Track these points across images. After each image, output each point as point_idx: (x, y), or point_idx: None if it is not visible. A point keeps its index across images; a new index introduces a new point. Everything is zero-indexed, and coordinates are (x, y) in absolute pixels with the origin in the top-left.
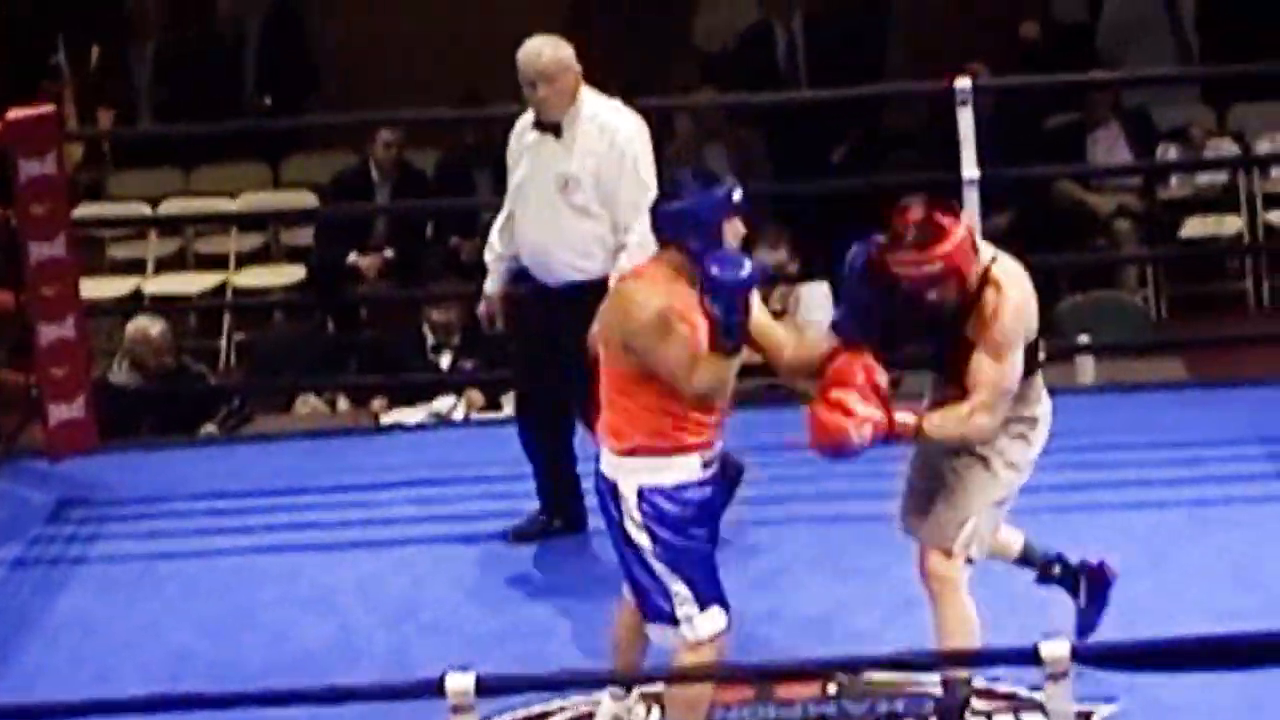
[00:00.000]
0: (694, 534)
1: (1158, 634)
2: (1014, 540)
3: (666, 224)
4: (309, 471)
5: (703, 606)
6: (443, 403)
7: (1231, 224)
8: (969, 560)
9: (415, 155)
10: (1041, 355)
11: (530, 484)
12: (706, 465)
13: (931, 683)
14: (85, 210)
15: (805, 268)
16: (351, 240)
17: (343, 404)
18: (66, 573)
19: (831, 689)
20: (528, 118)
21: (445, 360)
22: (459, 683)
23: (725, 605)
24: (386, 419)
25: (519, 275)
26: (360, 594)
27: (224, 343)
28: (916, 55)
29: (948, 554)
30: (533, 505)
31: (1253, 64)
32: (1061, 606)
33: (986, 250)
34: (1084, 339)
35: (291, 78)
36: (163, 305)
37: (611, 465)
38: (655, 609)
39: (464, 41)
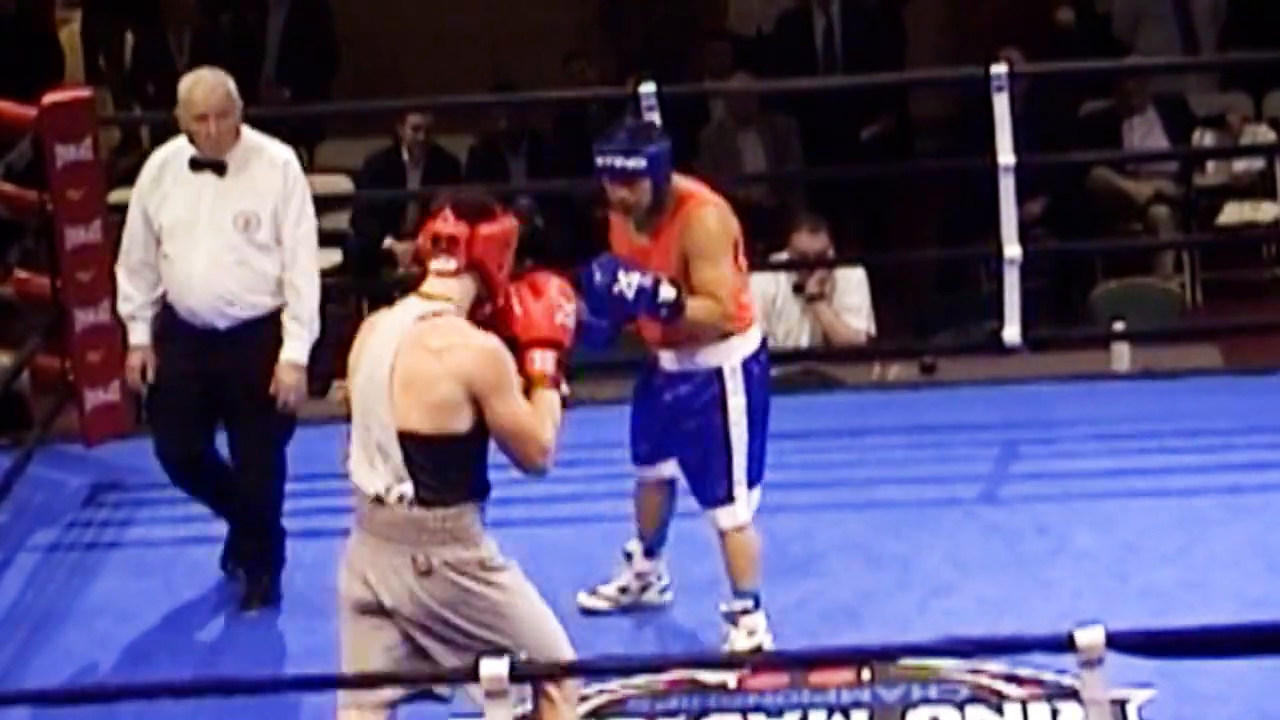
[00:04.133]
0: (766, 391)
1: (1191, 621)
2: None
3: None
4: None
5: (750, 485)
6: None
7: (1268, 211)
8: None
9: (448, 140)
10: None
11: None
12: None
13: (964, 669)
14: (121, 195)
15: (841, 253)
16: (386, 225)
17: None
18: (101, 557)
19: (865, 675)
20: (166, 156)
21: None
22: (494, 669)
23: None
24: None
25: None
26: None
27: None
28: (951, 40)
29: None
30: (558, 488)
31: None
32: (1094, 594)
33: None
34: (1119, 325)
35: (313, 65)
36: None
37: (710, 354)
38: (713, 494)
39: (494, 28)
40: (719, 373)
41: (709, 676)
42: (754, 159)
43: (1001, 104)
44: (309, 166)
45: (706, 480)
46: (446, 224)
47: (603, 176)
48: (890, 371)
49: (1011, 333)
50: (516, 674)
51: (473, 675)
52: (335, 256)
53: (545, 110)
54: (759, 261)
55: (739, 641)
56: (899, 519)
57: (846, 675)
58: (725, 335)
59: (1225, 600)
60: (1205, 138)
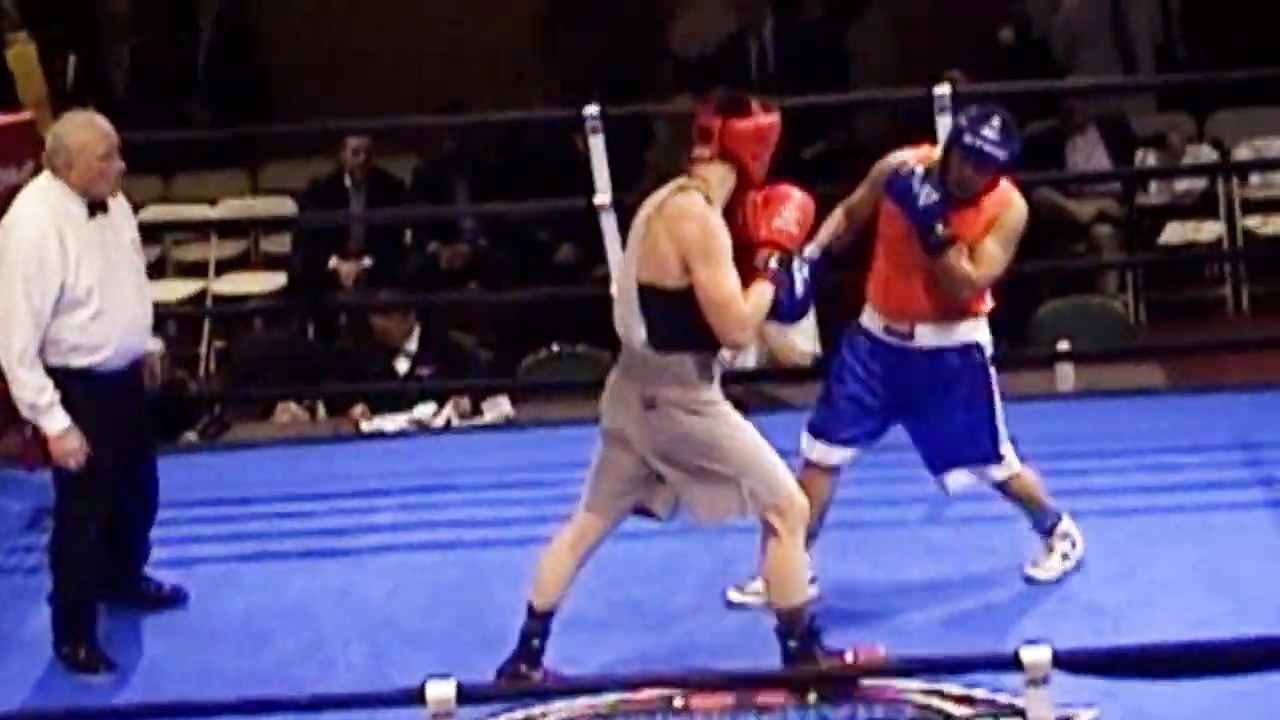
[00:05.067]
0: None
1: (1136, 641)
2: None
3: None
4: (288, 480)
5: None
6: (422, 410)
7: (1210, 230)
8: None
9: (391, 162)
10: None
11: (511, 491)
12: None
13: (912, 689)
14: None
15: None
16: (330, 247)
17: (323, 411)
18: (44, 582)
19: (811, 697)
20: (52, 222)
21: (402, 366)
22: (439, 691)
23: None
24: (367, 426)
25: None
26: (339, 603)
27: (204, 350)
28: (896, 62)
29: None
30: (513, 511)
31: (1228, 71)
32: (1038, 613)
33: None
34: (1063, 345)
35: (240, 86)
36: None
37: (967, 330)
38: (984, 452)
39: (439, 49)
40: (977, 346)
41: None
42: None
43: (945, 125)
44: (253, 188)
45: (976, 441)
46: (704, 115)
47: (962, 152)
48: None
49: None
50: (466, 695)
51: (419, 699)
52: (279, 279)
53: (490, 133)
54: None
55: (1058, 549)
56: (844, 540)
57: (793, 696)
58: (972, 315)
59: (1170, 620)
60: (1147, 158)
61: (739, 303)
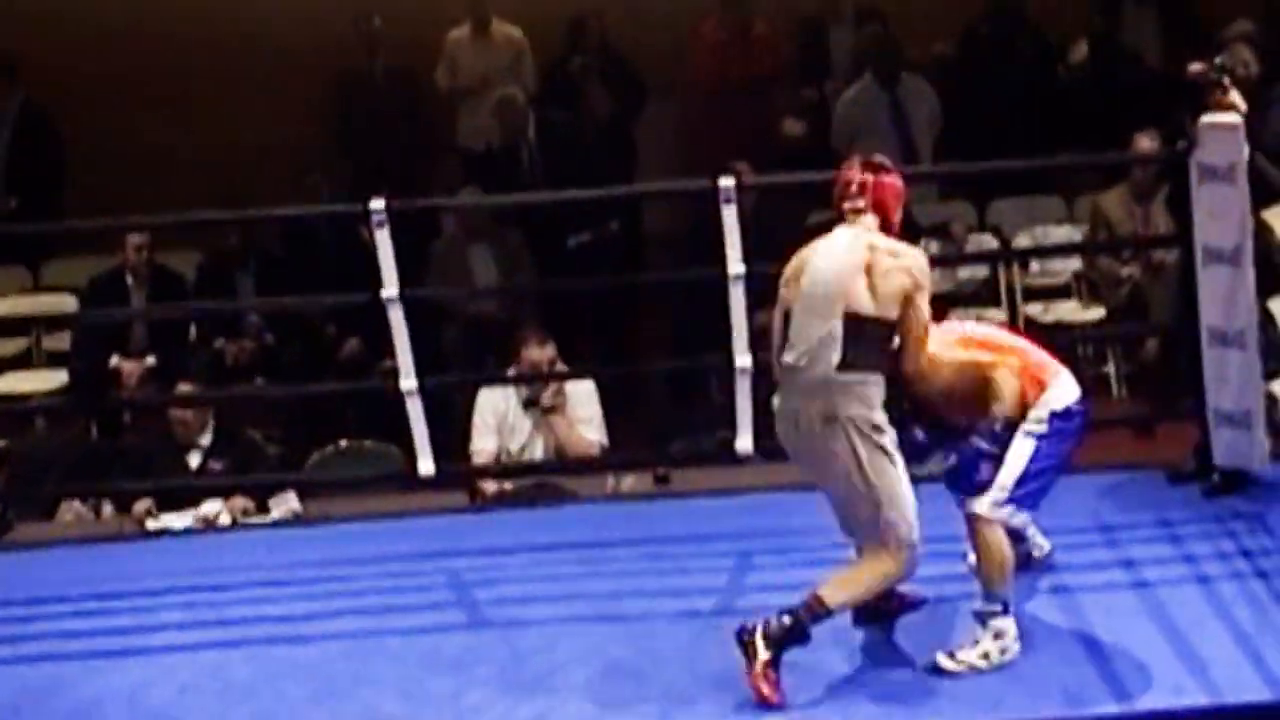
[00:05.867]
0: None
1: None
2: None
3: None
4: (73, 579)
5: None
6: (209, 507)
7: (993, 317)
8: None
9: (176, 258)
10: None
11: (299, 588)
12: None
13: None
14: None
15: (573, 365)
16: (111, 345)
17: (108, 510)
18: None
19: None
20: None
21: (194, 460)
22: None
23: None
24: (153, 525)
25: None
26: (128, 704)
27: None
28: (682, 155)
29: None
30: (302, 608)
31: (1003, 161)
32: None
33: None
34: None
35: (39, 179)
36: None
37: None
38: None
39: (225, 146)
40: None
41: None
42: (485, 272)
43: (730, 215)
44: (35, 285)
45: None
46: (855, 171)
47: None
48: (625, 483)
49: (744, 442)
50: None
51: None
52: (61, 376)
53: (274, 227)
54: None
55: (984, 647)
56: (638, 631)
57: None
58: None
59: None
60: (930, 246)
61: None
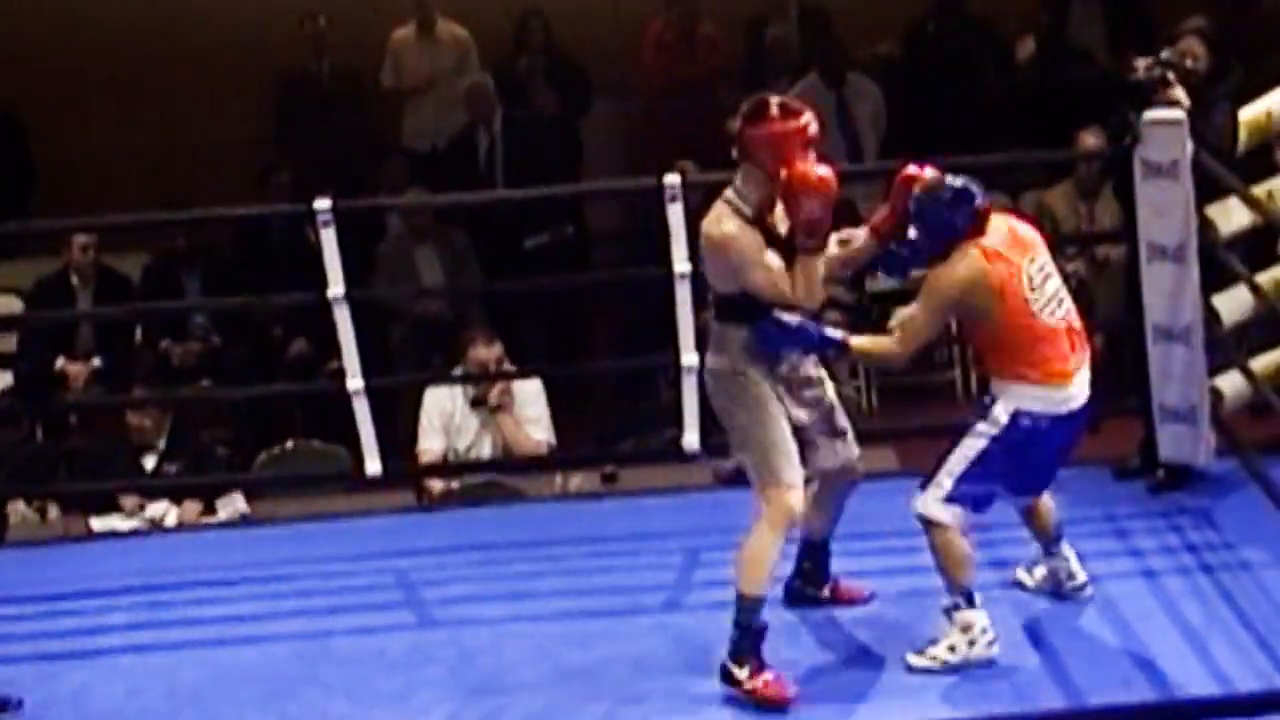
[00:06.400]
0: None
1: None
2: None
3: None
4: (18, 581)
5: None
6: (156, 508)
7: None
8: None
9: (121, 259)
10: None
11: (247, 589)
12: None
13: None
14: None
15: (520, 364)
16: (57, 347)
17: (54, 512)
18: None
19: None
20: None
21: (150, 462)
22: None
23: None
24: (99, 526)
25: None
26: (75, 707)
27: None
28: (628, 154)
29: None
30: (248, 609)
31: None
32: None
33: None
34: None
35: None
36: None
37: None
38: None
39: (173, 149)
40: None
41: None
42: (431, 273)
43: (676, 213)
44: None
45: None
46: (733, 122)
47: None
48: (572, 482)
49: (691, 440)
50: None
51: None
52: (6, 378)
53: (222, 228)
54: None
55: (950, 640)
56: (586, 630)
57: None
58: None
59: (908, 700)
60: None
61: (787, 287)
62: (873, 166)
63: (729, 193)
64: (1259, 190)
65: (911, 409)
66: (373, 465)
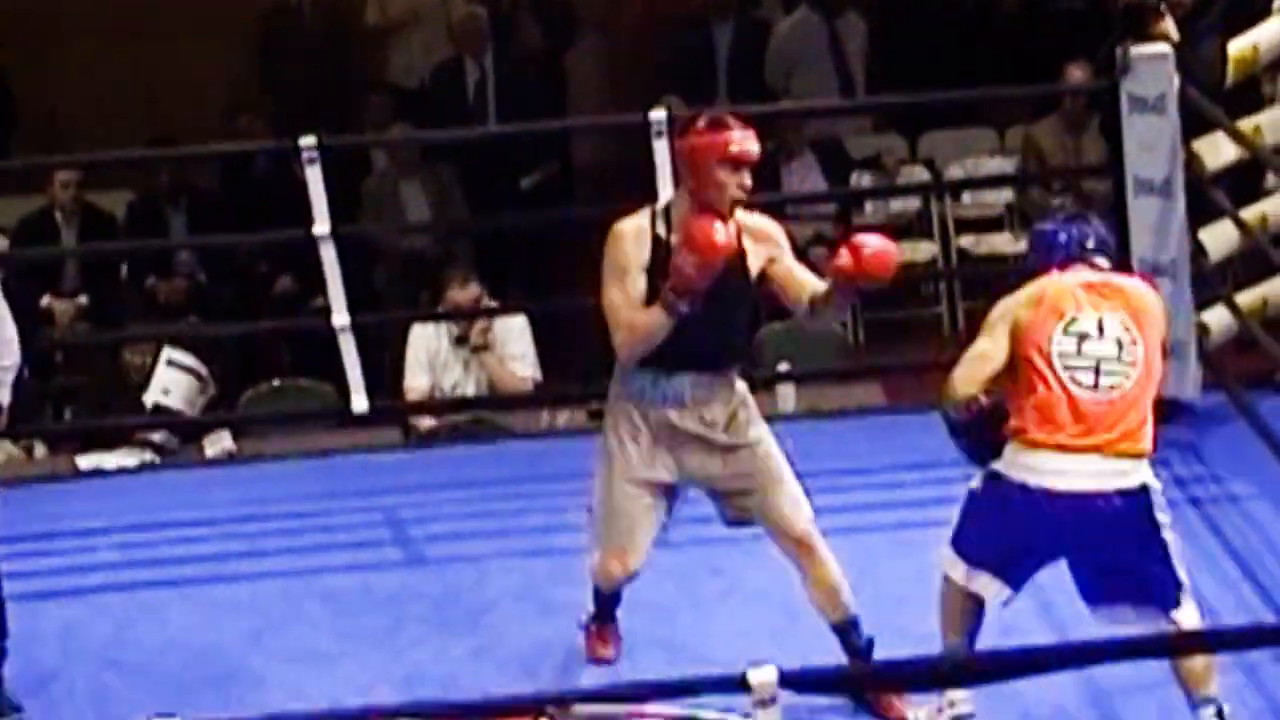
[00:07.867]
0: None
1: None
2: None
3: None
4: (4, 520)
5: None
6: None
7: (925, 250)
8: None
9: (105, 197)
10: None
11: (234, 526)
12: None
13: (640, 713)
14: None
15: (505, 301)
16: (42, 285)
17: (40, 451)
18: None
19: None
20: None
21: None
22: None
23: None
24: (85, 464)
25: None
26: (61, 641)
27: None
28: (613, 88)
29: None
30: (235, 546)
31: (935, 93)
32: (767, 633)
33: None
34: (784, 367)
35: None
36: None
37: (1140, 470)
38: (1170, 598)
39: (152, 82)
40: (1146, 488)
41: None
42: (417, 209)
43: (661, 149)
44: None
45: (1160, 590)
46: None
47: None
48: (559, 418)
49: None
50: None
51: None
52: None
53: (206, 165)
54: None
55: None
56: (571, 566)
57: None
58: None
59: (894, 636)
60: (863, 179)
61: (622, 324)
62: (858, 102)
63: (667, 199)
64: (1245, 124)
65: (898, 344)
66: (359, 402)
